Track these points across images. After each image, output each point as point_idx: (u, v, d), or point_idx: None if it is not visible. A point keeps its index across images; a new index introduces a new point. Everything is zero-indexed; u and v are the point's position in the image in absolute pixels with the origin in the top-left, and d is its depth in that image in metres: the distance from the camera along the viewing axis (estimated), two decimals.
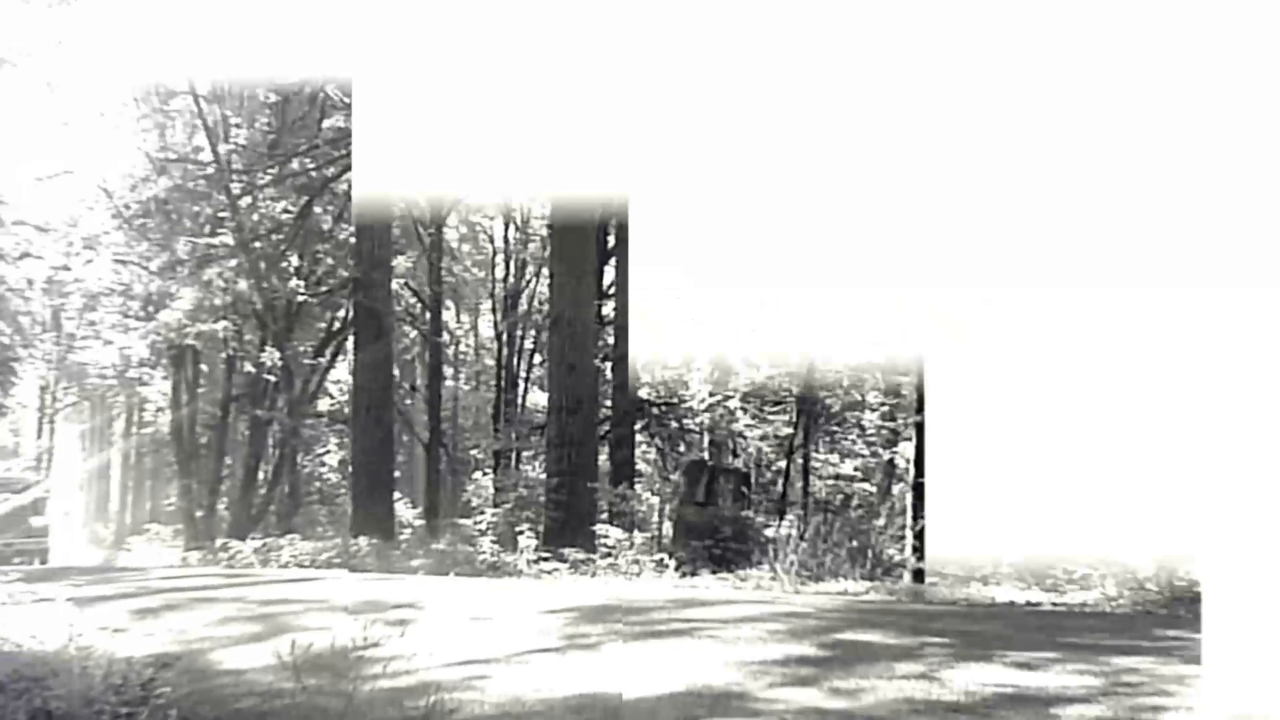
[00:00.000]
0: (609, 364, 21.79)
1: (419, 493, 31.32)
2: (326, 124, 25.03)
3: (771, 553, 11.93)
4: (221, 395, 29.52)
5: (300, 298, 25.41)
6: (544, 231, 24.37)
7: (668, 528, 16.18)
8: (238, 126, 25.37)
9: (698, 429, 25.43)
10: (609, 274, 23.35)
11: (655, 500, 21.58)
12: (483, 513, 17.47)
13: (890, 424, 27.09)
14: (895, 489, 26.19)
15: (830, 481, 28.36)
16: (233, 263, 22.09)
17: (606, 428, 20.87)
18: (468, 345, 39.28)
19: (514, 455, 27.47)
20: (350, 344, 25.71)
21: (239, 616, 7.84)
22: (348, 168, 22.61)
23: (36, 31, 25.49)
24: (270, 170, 24.18)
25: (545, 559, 13.18)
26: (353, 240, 21.98)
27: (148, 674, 5.53)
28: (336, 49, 18.81)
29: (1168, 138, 6.04)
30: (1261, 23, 5.37)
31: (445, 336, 31.89)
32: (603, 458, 20.61)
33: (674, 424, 24.96)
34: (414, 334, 31.85)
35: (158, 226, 26.50)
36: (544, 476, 18.01)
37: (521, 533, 14.49)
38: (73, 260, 28.60)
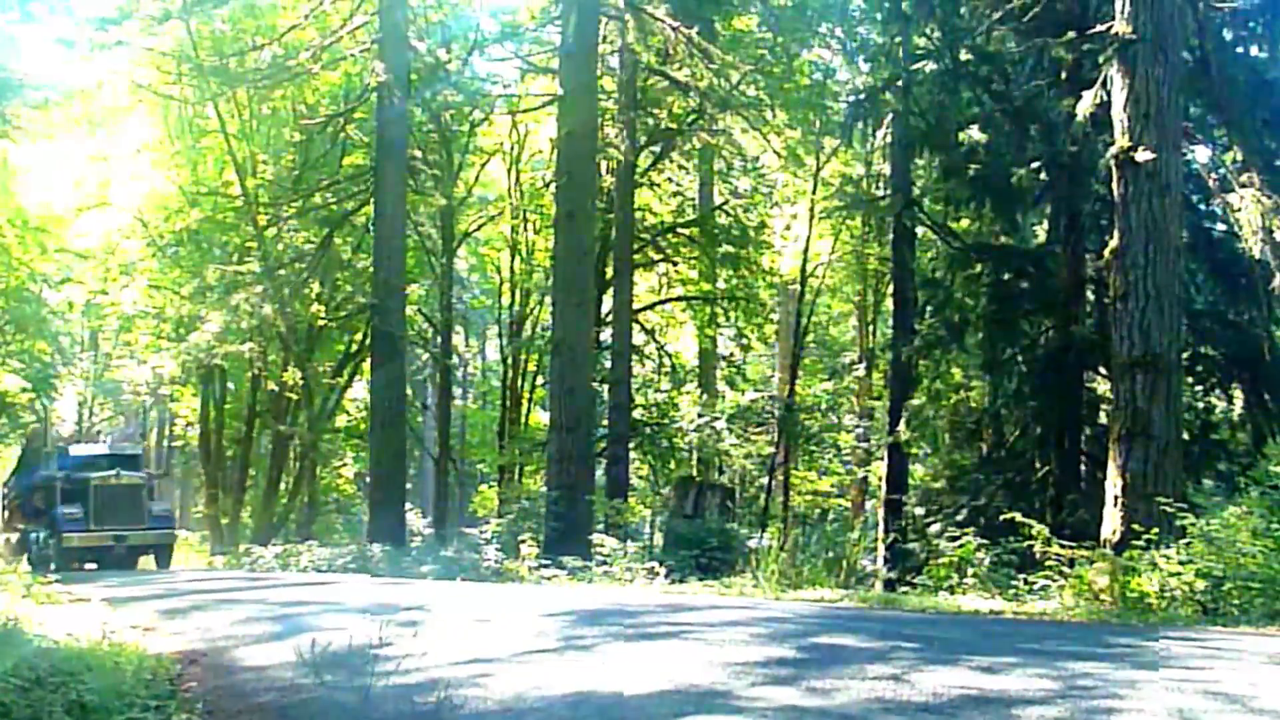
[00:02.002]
0: (606, 386, 21.79)
1: (429, 503, 31.26)
2: (346, 161, 25.09)
3: (754, 562, 11.92)
4: (247, 411, 29.48)
5: (321, 322, 25.43)
6: (547, 263, 24.41)
7: (659, 538, 16.13)
8: (265, 163, 25.43)
9: (687, 447, 25.43)
10: (606, 303, 23.36)
11: (647, 512, 21.52)
12: (488, 522, 17.43)
13: (864, 445, 27.13)
14: (868, 505, 26.18)
15: (808, 497, 28.36)
16: (259, 289, 22.09)
17: (603, 445, 20.85)
18: (475, 367, 39.32)
19: (517, 470, 27.43)
20: (367, 365, 25.72)
21: (261, 617, 7.82)
22: (366, 202, 22.66)
23: (78, 74, 25.61)
24: (294, 204, 24.22)
25: (545, 566, 13.15)
26: (370, 269, 21.99)
27: (176, 670, 5.52)
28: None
29: None
30: None
31: (455, 359, 31.89)
32: (599, 473, 20.60)
33: (665, 443, 24.96)
34: (426, 356, 31.87)
35: (189, 255, 26.54)
36: (545, 489, 17.98)
37: (523, 541, 14.45)
38: (110, 285, 28.52)
